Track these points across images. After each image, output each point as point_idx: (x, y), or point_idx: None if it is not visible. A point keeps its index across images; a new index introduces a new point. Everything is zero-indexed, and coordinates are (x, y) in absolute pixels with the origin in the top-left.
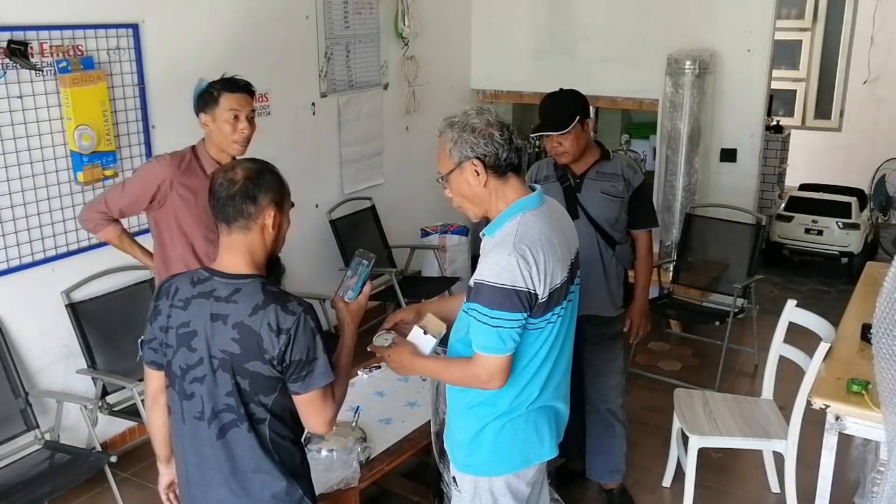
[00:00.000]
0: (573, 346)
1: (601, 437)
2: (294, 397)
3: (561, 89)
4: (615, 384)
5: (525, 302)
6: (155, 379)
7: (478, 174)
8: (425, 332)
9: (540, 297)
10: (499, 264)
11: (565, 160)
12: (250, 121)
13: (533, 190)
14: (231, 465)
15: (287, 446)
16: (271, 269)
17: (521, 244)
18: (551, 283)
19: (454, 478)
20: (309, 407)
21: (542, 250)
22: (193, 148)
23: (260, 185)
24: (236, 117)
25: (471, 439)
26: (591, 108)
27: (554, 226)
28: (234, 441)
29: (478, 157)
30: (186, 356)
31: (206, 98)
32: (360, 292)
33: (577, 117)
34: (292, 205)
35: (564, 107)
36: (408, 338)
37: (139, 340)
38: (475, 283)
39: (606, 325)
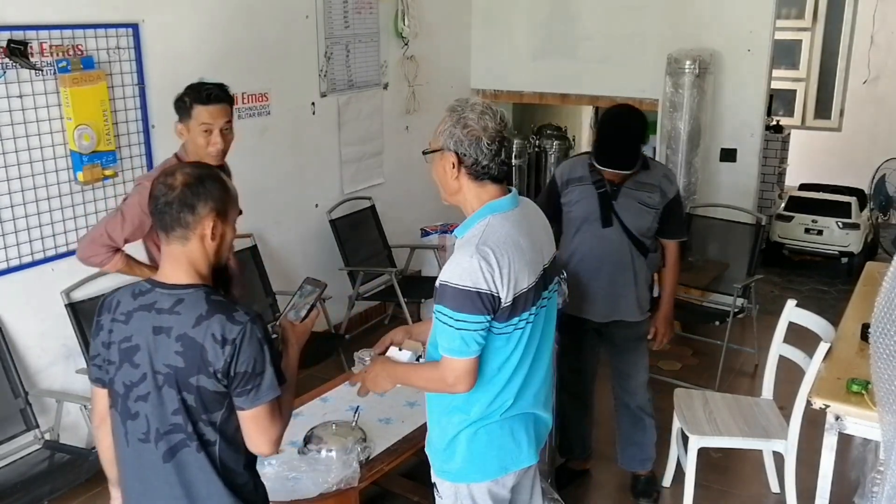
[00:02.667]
0: (599, 352)
1: (632, 430)
2: (239, 413)
3: (627, 113)
4: (642, 382)
5: (488, 304)
6: (101, 398)
7: (453, 167)
8: (400, 350)
9: (503, 300)
10: (461, 266)
11: (616, 180)
12: (225, 133)
13: (509, 192)
14: (184, 489)
15: (239, 472)
16: (218, 278)
17: (483, 246)
18: (516, 288)
19: (434, 483)
20: (254, 424)
21: (507, 253)
22: (177, 156)
23: (199, 194)
24: (208, 131)
25: (446, 445)
26: (648, 126)
27: (524, 230)
28: (185, 462)
29: (456, 153)
30: (129, 372)
31: (179, 106)
32: (308, 317)
33: (642, 146)
34: (240, 212)
35: (634, 144)
36: (390, 356)
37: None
38: (439, 284)
39: (632, 328)
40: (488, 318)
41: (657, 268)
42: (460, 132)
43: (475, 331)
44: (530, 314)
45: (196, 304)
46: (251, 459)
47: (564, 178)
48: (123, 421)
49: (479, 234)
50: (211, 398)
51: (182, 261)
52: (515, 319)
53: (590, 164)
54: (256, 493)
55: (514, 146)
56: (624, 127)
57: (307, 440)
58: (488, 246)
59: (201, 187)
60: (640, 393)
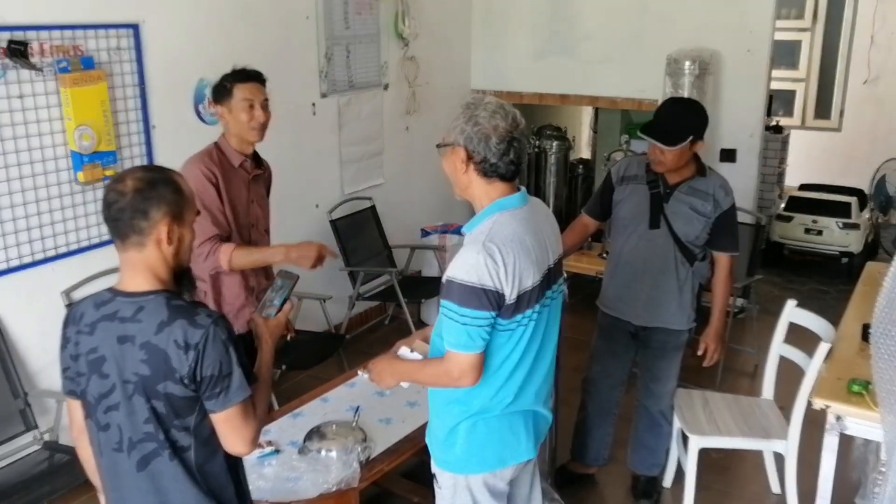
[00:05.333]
0: (633, 359)
1: (647, 434)
2: (212, 416)
3: (689, 101)
4: (670, 389)
5: (493, 301)
6: (77, 409)
7: (462, 162)
8: (411, 351)
9: (507, 297)
10: (467, 262)
11: (661, 169)
12: (264, 108)
13: (519, 190)
14: (156, 498)
15: (215, 474)
16: (180, 282)
17: (490, 243)
18: (520, 285)
19: (434, 474)
20: (227, 426)
21: (513, 251)
22: (216, 144)
23: (151, 198)
24: (251, 106)
25: (446, 436)
26: (706, 126)
27: (531, 228)
28: (158, 472)
29: (466, 150)
30: (99, 384)
31: (219, 91)
32: (281, 310)
33: (690, 137)
34: (198, 213)
35: (682, 124)
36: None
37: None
38: (446, 279)
39: (672, 335)
40: (493, 314)
41: (705, 278)
42: (471, 129)
43: (480, 326)
44: (533, 312)
45: (157, 310)
46: (232, 462)
47: (620, 175)
48: (97, 431)
49: (487, 230)
50: (181, 404)
51: (140, 267)
52: (519, 317)
53: (647, 164)
54: (238, 497)
55: None
56: (677, 105)
57: (307, 440)
58: (494, 243)
59: (153, 191)
60: (665, 399)
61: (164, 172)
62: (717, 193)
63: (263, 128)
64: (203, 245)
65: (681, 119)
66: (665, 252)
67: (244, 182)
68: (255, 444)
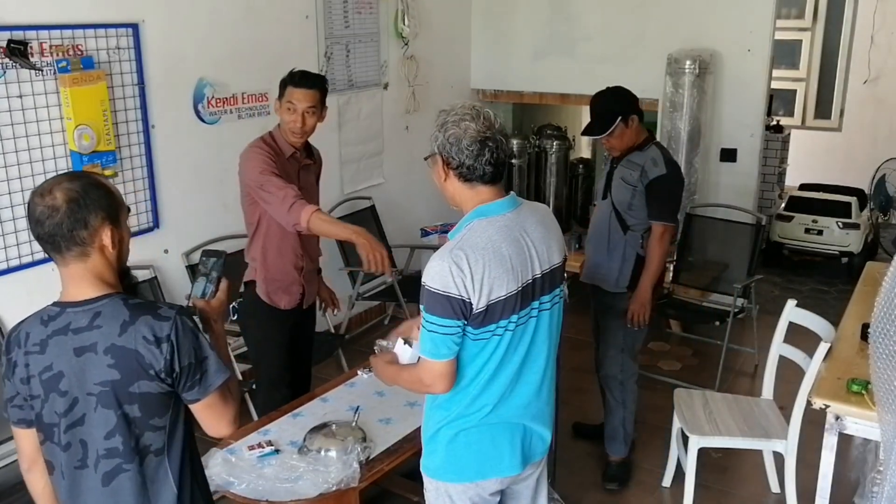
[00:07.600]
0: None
1: (605, 406)
2: (192, 406)
3: (606, 89)
4: (611, 355)
5: (458, 309)
6: (26, 439)
7: (442, 170)
8: (405, 343)
9: (475, 306)
10: (433, 269)
11: (615, 154)
12: (306, 115)
13: (507, 194)
14: None
15: (185, 474)
16: (123, 281)
17: (457, 250)
18: (490, 295)
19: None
20: (210, 411)
21: (483, 259)
22: (270, 133)
23: (87, 206)
24: (290, 109)
25: (428, 440)
26: (633, 103)
27: (512, 236)
28: (121, 488)
29: (441, 156)
30: (57, 402)
31: (280, 86)
32: (218, 288)
33: (619, 118)
34: (128, 210)
35: (604, 110)
36: (394, 349)
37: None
38: (422, 285)
39: (606, 297)
40: (460, 322)
41: (639, 246)
42: (443, 136)
43: (446, 335)
44: (510, 322)
45: (116, 312)
46: (192, 456)
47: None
48: (59, 452)
49: (460, 238)
50: (156, 402)
51: (87, 277)
52: (492, 326)
53: None
54: (194, 477)
55: (514, 146)
56: (595, 98)
57: (307, 440)
58: (462, 250)
59: (87, 198)
60: (607, 364)
61: (91, 177)
62: (646, 165)
63: (301, 133)
64: (287, 197)
65: (602, 108)
66: (605, 217)
67: (294, 170)
68: (237, 423)
